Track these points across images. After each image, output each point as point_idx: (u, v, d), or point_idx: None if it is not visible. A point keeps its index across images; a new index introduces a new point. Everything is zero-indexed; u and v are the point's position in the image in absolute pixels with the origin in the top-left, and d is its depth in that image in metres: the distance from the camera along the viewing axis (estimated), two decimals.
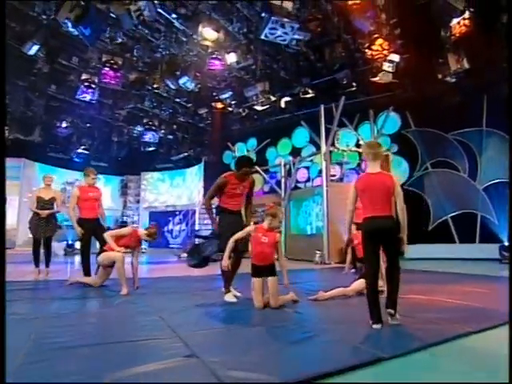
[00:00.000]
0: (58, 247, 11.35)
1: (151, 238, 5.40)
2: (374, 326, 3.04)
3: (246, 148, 16.85)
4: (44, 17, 9.61)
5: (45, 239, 6.40)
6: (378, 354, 2.35)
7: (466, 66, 9.61)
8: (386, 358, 2.29)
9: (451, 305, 4.10)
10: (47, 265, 6.40)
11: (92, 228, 5.72)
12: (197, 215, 15.89)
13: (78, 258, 9.52)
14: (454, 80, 10.59)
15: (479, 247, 11.33)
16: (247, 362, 2.27)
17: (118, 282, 5.01)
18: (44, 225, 6.32)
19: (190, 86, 12.18)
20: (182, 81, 11.85)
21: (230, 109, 15.06)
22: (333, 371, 2.09)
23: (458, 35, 8.86)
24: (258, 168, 15.07)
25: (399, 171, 13.17)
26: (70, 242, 13.91)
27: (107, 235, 5.18)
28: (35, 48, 9.84)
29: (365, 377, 2.09)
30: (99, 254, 5.34)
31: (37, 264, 6.32)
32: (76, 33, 8.86)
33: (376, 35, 9.50)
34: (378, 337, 2.86)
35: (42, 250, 6.44)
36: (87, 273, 5.81)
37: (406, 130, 13.35)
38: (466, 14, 8.27)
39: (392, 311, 3.11)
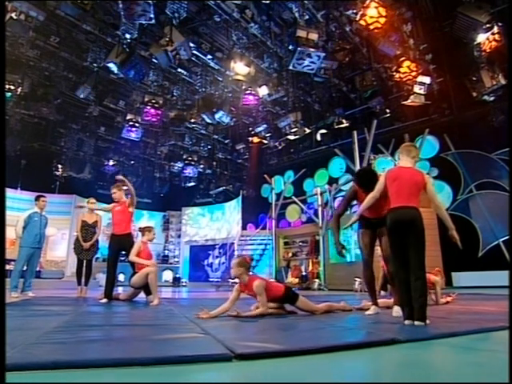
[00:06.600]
0: (102, 278, 11.76)
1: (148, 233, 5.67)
2: (406, 322, 2.92)
3: (283, 180, 17.00)
4: (95, 65, 10.75)
5: (86, 261, 6.80)
6: (393, 337, 2.30)
7: (503, 81, 9.36)
8: (402, 341, 2.24)
9: (488, 312, 3.84)
10: (86, 283, 6.76)
11: (118, 244, 5.74)
12: (235, 246, 15.98)
13: (121, 289, 9.87)
14: (492, 99, 10.31)
15: None
16: (257, 338, 2.28)
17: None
18: (86, 248, 6.75)
19: (226, 119, 12.79)
20: (217, 115, 12.50)
21: (265, 141, 15.47)
22: (341, 345, 2.09)
23: (488, 51, 8.75)
24: (295, 198, 15.14)
25: (442, 196, 12.59)
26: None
27: (132, 258, 5.35)
28: (86, 91, 10.93)
29: (375, 352, 2.06)
30: (130, 278, 5.52)
31: (79, 282, 6.72)
32: (121, 75, 9.80)
33: (403, 58, 9.58)
34: (403, 328, 2.77)
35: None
36: (109, 292, 5.49)
37: (445, 153, 12.92)
38: (495, 29, 8.20)
39: (422, 323, 2.83)
